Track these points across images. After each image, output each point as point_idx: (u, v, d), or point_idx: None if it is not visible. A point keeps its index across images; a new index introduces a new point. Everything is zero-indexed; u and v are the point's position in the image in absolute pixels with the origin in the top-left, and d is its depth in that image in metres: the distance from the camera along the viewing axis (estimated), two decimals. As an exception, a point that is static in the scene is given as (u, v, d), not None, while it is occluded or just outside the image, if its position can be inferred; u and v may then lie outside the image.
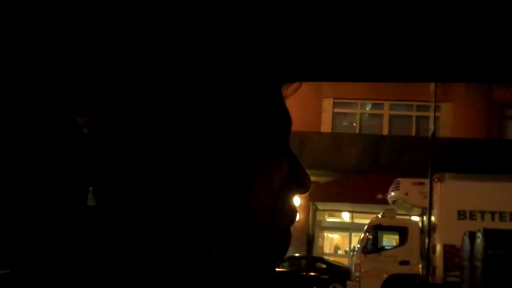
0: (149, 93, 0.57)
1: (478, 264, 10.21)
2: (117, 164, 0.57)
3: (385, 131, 19.81)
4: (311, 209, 19.75)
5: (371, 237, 15.07)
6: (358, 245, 15.45)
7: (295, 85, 0.69)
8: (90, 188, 0.61)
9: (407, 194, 15.02)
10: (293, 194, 0.62)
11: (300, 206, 17.21)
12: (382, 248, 15.24)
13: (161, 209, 0.56)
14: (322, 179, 18.31)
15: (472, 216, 13.34)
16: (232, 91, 0.58)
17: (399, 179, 15.23)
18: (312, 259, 18.22)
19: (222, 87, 0.58)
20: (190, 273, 0.53)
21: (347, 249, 20.89)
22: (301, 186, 0.62)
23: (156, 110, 0.56)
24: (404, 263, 14.61)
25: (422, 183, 14.42)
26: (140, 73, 0.58)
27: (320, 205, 20.43)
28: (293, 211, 0.62)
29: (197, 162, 0.56)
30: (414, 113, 19.85)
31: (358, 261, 14.92)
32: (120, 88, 0.58)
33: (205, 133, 0.56)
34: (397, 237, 15.38)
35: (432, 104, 14.60)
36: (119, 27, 0.63)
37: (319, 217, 21.10)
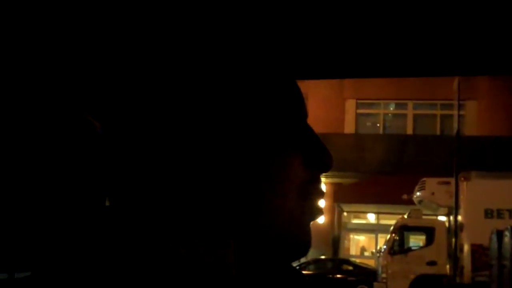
0: (157, 94, 0.56)
1: (507, 262, 10.06)
2: (129, 162, 0.57)
3: (409, 131, 19.62)
4: (336, 211, 19.63)
5: (397, 238, 14.93)
6: (385, 246, 15.31)
7: None
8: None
9: (433, 193, 14.86)
10: (316, 192, 0.61)
11: (325, 208, 16.97)
12: (409, 249, 15.08)
13: (177, 206, 0.56)
14: (346, 181, 18.21)
15: (499, 214, 13.15)
16: (236, 89, 0.58)
17: (425, 178, 15.07)
18: (338, 261, 18.11)
19: (226, 86, 0.57)
20: (207, 265, 0.52)
21: (374, 250, 20.71)
22: (321, 166, 0.61)
23: (165, 110, 0.56)
24: (432, 263, 14.44)
25: (448, 183, 14.26)
26: (148, 74, 0.57)
27: (345, 207, 20.29)
28: (314, 209, 0.61)
29: (210, 159, 0.56)
30: (439, 111, 19.63)
31: (385, 262, 14.78)
32: (131, 90, 0.58)
33: (214, 131, 0.56)
34: (423, 237, 15.20)
35: (456, 102, 14.44)
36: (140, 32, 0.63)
37: (344, 219, 20.94)
